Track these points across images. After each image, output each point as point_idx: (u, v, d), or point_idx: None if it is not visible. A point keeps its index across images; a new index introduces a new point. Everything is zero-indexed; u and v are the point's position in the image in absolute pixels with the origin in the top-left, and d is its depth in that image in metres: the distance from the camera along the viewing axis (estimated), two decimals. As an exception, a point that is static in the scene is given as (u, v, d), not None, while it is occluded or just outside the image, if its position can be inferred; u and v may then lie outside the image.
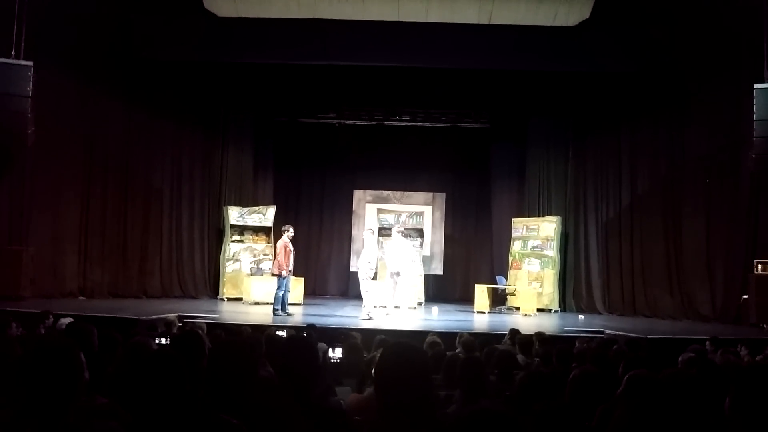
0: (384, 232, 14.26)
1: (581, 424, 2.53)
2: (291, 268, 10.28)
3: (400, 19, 10.51)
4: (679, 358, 4.78)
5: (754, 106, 8.93)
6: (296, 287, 11.66)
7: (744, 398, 1.93)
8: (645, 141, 12.09)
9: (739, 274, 10.51)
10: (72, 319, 5.73)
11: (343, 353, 4.95)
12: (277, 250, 10.27)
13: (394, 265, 10.26)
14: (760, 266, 9.95)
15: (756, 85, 9.00)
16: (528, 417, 2.65)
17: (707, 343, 6.25)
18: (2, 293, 9.38)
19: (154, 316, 8.02)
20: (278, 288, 10.08)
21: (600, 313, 12.04)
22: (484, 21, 10.48)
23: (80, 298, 11.03)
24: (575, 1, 10.42)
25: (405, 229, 12.17)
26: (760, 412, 1.88)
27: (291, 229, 10.41)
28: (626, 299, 12.04)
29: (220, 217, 13.37)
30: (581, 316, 11.52)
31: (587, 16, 10.45)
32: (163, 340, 4.75)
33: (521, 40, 10.66)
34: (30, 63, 8.93)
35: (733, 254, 10.76)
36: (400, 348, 2.10)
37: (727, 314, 10.59)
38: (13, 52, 8.94)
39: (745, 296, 10.18)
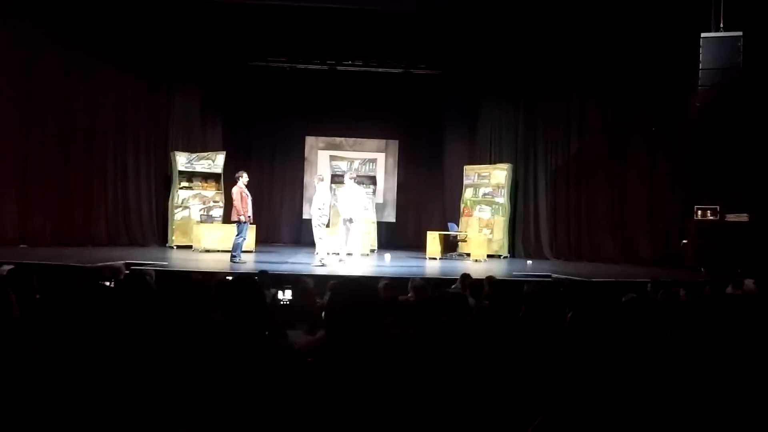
0: (337, 179, 14.16)
1: (528, 359, 2.60)
2: (250, 213, 10.14)
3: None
4: (622, 299, 4.98)
5: (700, 55, 9.09)
6: (248, 235, 11.52)
7: (684, 329, 2.01)
8: (594, 90, 12.23)
9: (679, 220, 10.94)
10: (12, 266, 5.53)
11: (294, 297, 4.94)
12: (233, 197, 10.09)
13: (346, 211, 10.22)
14: (699, 212, 10.37)
15: (703, 34, 9.14)
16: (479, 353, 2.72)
17: (648, 285, 6.51)
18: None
19: (100, 264, 7.81)
20: (237, 234, 9.95)
21: (547, 259, 12.39)
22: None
23: (22, 246, 10.64)
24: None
25: (358, 176, 12.10)
26: (697, 340, 1.96)
27: (245, 175, 10.20)
28: (572, 245, 12.40)
29: (167, 163, 12.99)
30: (529, 262, 11.83)
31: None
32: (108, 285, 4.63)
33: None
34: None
35: (673, 201, 11.18)
36: (350, 284, 2.09)
37: (666, 258, 11.05)
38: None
39: (684, 241, 10.62)
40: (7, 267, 5.37)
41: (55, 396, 1.83)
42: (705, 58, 9.02)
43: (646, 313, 3.40)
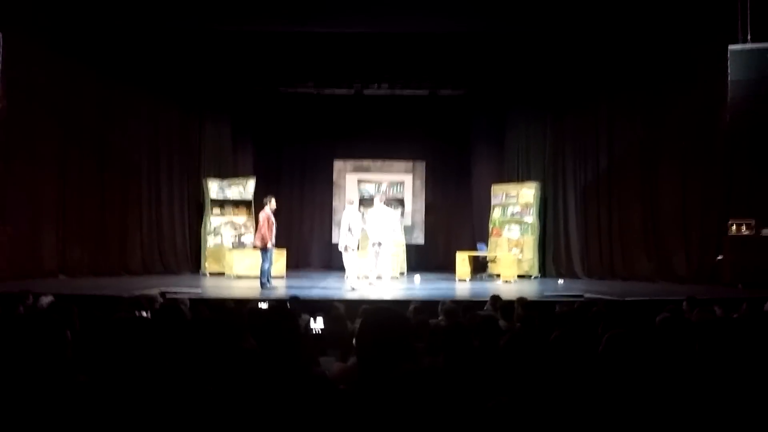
0: (365, 202, 14.26)
1: (563, 383, 2.59)
2: (273, 241, 10.24)
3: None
4: (657, 318, 4.89)
5: (729, 68, 8.98)
6: (279, 260, 11.64)
7: (712, 347, 1.99)
8: (623, 105, 12.13)
9: (714, 235, 10.71)
10: (53, 299, 5.68)
11: (325, 324, 4.98)
12: (260, 223, 10.19)
13: (375, 234, 10.27)
14: (735, 226, 10.15)
15: (730, 47, 9.05)
16: (513, 378, 2.71)
17: (684, 303, 6.38)
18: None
19: (136, 293, 7.96)
20: (263, 261, 10.05)
21: (579, 278, 12.22)
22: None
23: (60, 276, 10.92)
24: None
25: (386, 198, 12.17)
26: (725, 359, 1.94)
27: (273, 200, 10.29)
28: (605, 263, 12.22)
29: (199, 191, 13.25)
30: (561, 281, 11.69)
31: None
32: (144, 315, 4.73)
33: (500, 2, 10.57)
34: (-2, 34, 8.66)
35: (708, 215, 10.94)
36: (380, 313, 2.12)
37: (702, 274, 10.81)
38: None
39: (720, 256, 10.38)
40: (47, 299, 5.53)
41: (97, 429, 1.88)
42: (734, 71, 8.92)
43: (681, 334, 3.35)
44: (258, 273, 10.17)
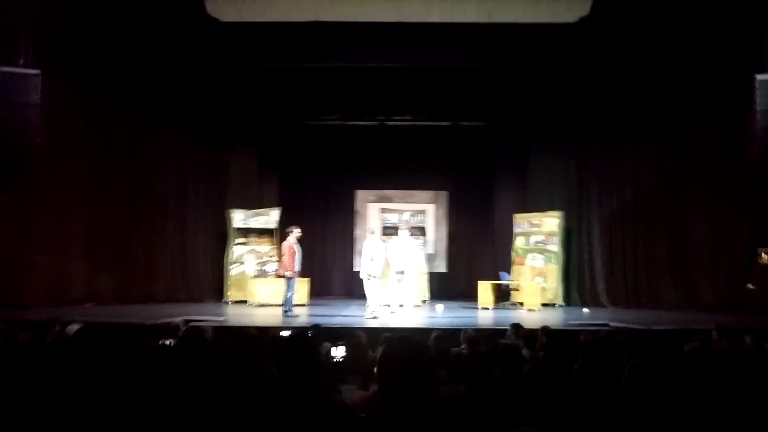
0: (387, 231, 14.29)
1: (586, 413, 2.55)
2: (298, 268, 10.32)
3: (401, 20, 10.53)
4: (685, 348, 4.79)
5: (756, 97, 8.91)
6: (301, 288, 11.69)
7: (741, 379, 1.96)
8: (648, 134, 12.08)
9: (743, 263, 10.52)
10: (80, 326, 5.76)
11: (347, 351, 4.97)
12: (283, 251, 10.32)
13: (398, 263, 10.29)
14: (763, 254, 9.95)
15: (758, 76, 9.00)
16: (536, 408, 2.68)
17: (713, 332, 6.24)
18: (10, 301, 9.40)
19: (160, 321, 8.04)
20: (287, 289, 10.15)
21: (604, 306, 12.04)
22: (484, 19, 10.49)
23: (87, 304, 11.07)
24: (574, -2, 10.42)
25: (409, 228, 12.19)
26: (756, 391, 1.90)
27: (297, 230, 10.44)
28: (630, 291, 12.04)
29: (224, 221, 13.41)
30: (585, 310, 11.53)
31: (587, 13, 10.43)
32: (168, 343, 4.77)
33: (521, 37, 10.67)
34: (38, 71, 8.94)
35: (736, 243, 10.76)
36: (402, 342, 2.12)
37: (731, 303, 10.59)
38: (21, 61, 8.96)
39: (749, 285, 10.17)
40: (73, 327, 5.61)
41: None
42: (761, 100, 8.85)
43: (710, 364, 3.28)
44: (281, 301, 10.22)
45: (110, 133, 11.70)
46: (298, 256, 10.28)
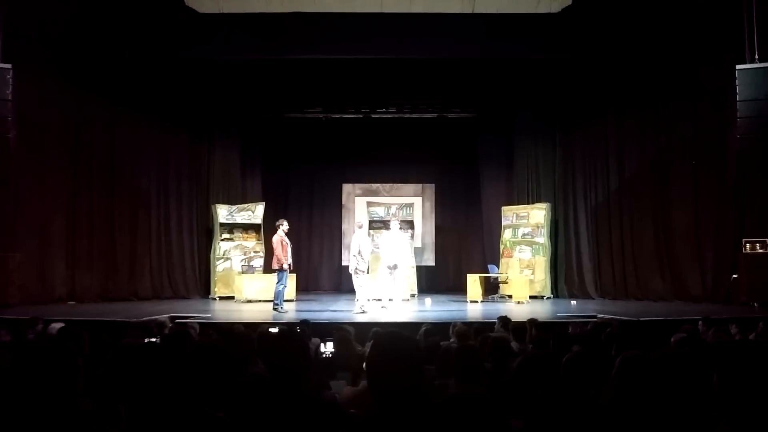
0: (375, 225, 14.25)
1: (576, 406, 2.53)
2: (290, 261, 10.30)
3: (384, 11, 10.46)
4: (672, 339, 4.81)
5: (737, 87, 8.94)
6: (289, 283, 11.61)
7: (730, 373, 1.94)
8: (631, 124, 12.13)
9: (729, 254, 10.61)
10: (63, 325, 5.67)
11: (335, 347, 4.94)
12: (274, 245, 10.27)
13: (390, 257, 10.26)
14: (748, 245, 10.05)
15: (738, 66, 9.00)
16: (525, 401, 2.66)
17: (700, 323, 6.29)
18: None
19: (145, 318, 7.96)
20: (278, 282, 10.10)
21: (592, 298, 12.11)
22: (467, 10, 10.45)
23: (70, 302, 10.94)
24: (557, -12, 10.42)
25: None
26: (745, 386, 1.88)
27: (285, 223, 10.43)
28: (618, 283, 12.11)
29: (208, 216, 13.29)
30: (574, 302, 11.58)
31: (570, 3, 10.45)
32: (153, 341, 4.70)
33: (505, 28, 10.64)
34: (8, 66, 8.78)
35: (721, 234, 10.85)
36: (390, 337, 2.08)
37: (717, 294, 10.69)
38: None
39: (735, 275, 10.27)
40: (56, 326, 5.52)
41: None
42: (742, 90, 8.86)
43: (698, 355, 3.28)
44: (272, 296, 10.19)
45: (88, 129, 11.55)
46: (288, 249, 10.24)
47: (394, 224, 10.70)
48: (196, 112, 13.12)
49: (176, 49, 10.88)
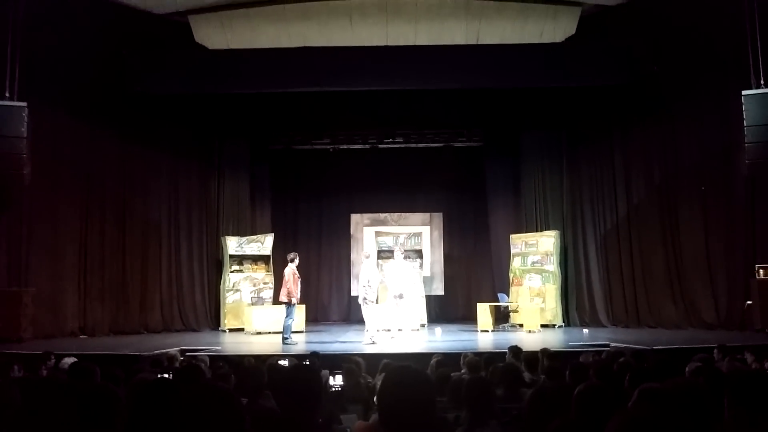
0: (383, 254, 14.24)
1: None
2: (299, 295, 10.34)
3: (389, 44, 10.64)
4: (687, 368, 4.74)
5: (744, 113, 8.98)
6: (298, 314, 11.59)
7: (740, 402, 1.93)
8: (638, 150, 12.13)
9: (741, 280, 10.50)
10: (75, 359, 5.68)
11: (344, 379, 4.91)
12: (286, 278, 10.29)
13: (396, 287, 10.24)
14: (761, 271, 9.94)
15: (744, 92, 9.06)
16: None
17: (715, 351, 6.20)
18: (3, 335, 9.31)
19: (156, 352, 7.96)
20: (287, 316, 10.11)
21: (604, 326, 11.97)
22: (471, 41, 10.61)
23: (81, 336, 10.95)
24: (561, 18, 10.57)
25: (404, 251, 12.18)
26: (756, 415, 1.87)
27: (297, 257, 10.51)
28: (630, 310, 11.98)
29: (218, 248, 13.34)
30: (586, 330, 11.46)
31: (573, 32, 10.60)
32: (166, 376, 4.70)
33: (509, 58, 10.76)
34: (24, 104, 8.98)
35: (732, 260, 10.76)
36: (402, 372, 2.08)
37: (731, 320, 10.55)
38: (7, 93, 9.02)
39: (749, 302, 10.14)
40: (68, 360, 5.53)
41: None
42: (749, 116, 8.90)
43: (711, 386, 3.24)
44: (281, 328, 10.18)
45: (100, 163, 11.68)
46: (299, 283, 10.31)
47: (398, 254, 10.72)
48: (205, 144, 13.30)
49: (186, 84, 11.08)
